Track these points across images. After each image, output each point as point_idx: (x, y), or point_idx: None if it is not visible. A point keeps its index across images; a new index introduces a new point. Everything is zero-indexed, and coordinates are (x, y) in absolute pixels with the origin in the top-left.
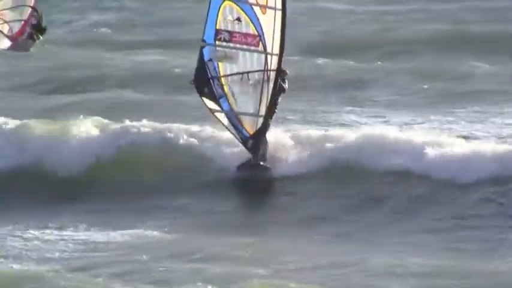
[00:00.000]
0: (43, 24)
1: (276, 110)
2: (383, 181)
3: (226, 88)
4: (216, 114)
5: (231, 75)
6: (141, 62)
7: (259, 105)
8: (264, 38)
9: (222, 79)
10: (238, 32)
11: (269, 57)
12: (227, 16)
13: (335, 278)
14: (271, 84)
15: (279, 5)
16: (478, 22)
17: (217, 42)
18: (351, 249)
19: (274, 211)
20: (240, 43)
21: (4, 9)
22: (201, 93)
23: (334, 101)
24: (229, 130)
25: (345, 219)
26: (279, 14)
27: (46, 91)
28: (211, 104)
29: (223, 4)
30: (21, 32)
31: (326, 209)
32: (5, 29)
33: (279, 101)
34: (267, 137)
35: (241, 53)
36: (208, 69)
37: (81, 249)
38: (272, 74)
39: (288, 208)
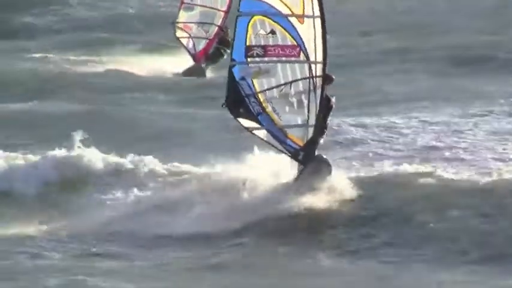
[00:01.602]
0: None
1: (327, 123)
2: None
3: (265, 104)
4: (255, 132)
5: (271, 88)
6: None
7: (308, 114)
8: (305, 47)
9: (260, 95)
10: (274, 45)
11: (313, 65)
12: (258, 31)
13: None
14: (318, 92)
15: (317, 12)
16: None
17: (249, 59)
18: None
19: None
20: (277, 56)
21: (191, 22)
22: (236, 115)
23: None
24: (273, 145)
25: None
26: (318, 21)
27: None
28: (248, 123)
29: (253, 20)
30: (204, 52)
31: None
32: (189, 45)
33: (328, 118)
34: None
35: (279, 65)
36: (242, 88)
37: None
38: (318, 82)
39: None
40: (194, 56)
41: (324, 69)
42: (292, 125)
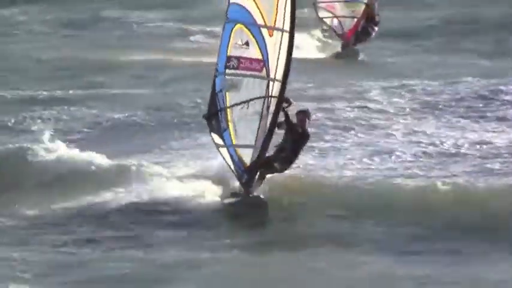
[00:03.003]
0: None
1: (292, 163)
2: None
3: (230, 120)
4: (220, 149)
5: (233, 105)
6: None
7: (256, 136)
8: (268, 63)
9: (228, 110)
10: (246, 58)
11: (271, 83)
12: (237, 41)
13: None
14: (271, 113)
15: (287, 27)
16: None
17: (226, 71)
18: None
19: None
20: (245, 69)
21: (335, 2)
22: (211, 129)
23: None
24: (228, 166)
25: None
26: (286, 36)
27: None
28: (217, 139)
29: (235, 28)
30: (353, 32)
31: None
32: (334, 24)
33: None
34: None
35: (245, 80)
36: (218, 101)
37: None
38: (273, 102)
39: None
40: (342, 36)
41: (281, 91)
42: (243, 145)
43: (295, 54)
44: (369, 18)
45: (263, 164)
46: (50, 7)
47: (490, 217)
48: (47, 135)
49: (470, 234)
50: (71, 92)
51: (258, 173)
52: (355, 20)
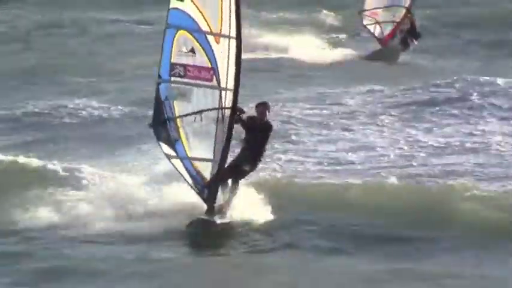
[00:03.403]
0: (417, 29)
1: (261, 158)
2: None
3: (181, 130)
4: (173, 160)
5: (184, 116)
6: None
7: (214, 148)
8: (217, 71)
9: (177, 120)
10: (193, 66)
11: (223, 92)
12: (181, 47)
13: None
14: (226, 123)
15: (234, 33)
16: None
17: (172, 78)
18: None
19: None
20: (194, 78)
21: (377, 8)
22: (159, 138)
23: None
24: (185, 179)
25: None
26: (233, 43)
27: None
28: (167, 149)
29: (178, 34)
30: (391, 35)
31: None
32: (377, 31)
33: (265, 149)
34: (234, 185)
35: (195, 89)
36: (165, 110)
37: None
38: (227, 113)
39: None
40: (381, 41)
41: (234, 100)
42: (200, 158)
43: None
44: (412, 28)
45: (230, 173)
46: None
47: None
48: None
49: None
50: None
51: (230, 181)
52: (394, 24)
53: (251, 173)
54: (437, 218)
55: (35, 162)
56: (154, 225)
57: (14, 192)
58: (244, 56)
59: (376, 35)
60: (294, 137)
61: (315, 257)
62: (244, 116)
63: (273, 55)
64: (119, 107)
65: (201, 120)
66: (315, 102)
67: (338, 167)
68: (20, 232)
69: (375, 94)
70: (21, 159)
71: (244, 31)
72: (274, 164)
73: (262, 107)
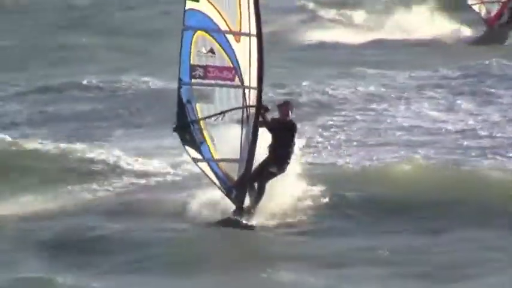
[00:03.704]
0: None
1: (288, 160)
2: None
3: (205, 133)
4: (199, 164)
5: (207, 117)
6: None
7: (240, 148)
8: (239, 70)
9: (201, 122)
10: (213, 66)
11: (247, 91)
12: (201, 48)
13: None
14: (251, 123)
15: (254, 30)
16: None
17: (192, 80)
18: None
19: None
20: (216, 78)
21: None
22: (184, 141)
23: None
24: (212, 182)
25: None
26: (254, 40)
27: None
28: (193, 153)
29: (196, 35)
30: (497, 16)
31: None
32: (482, 11)
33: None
34: (261, 187)
35: (217, 90)
36: (188, 113)
37: None
38: (252, 111)
39: None
40: (487, 21)
41: (258, 98)
42: (226, 159)
43: None
44: None
45: (256, 175)
46: None
47: None
48: None
49: None
50: None
51: (256, 184)
52: (501, 3)
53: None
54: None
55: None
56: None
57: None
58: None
59: (482, 15)
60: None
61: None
62: (268, 117)
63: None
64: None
65: (224, 120)
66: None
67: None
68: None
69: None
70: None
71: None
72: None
73: (285, 106)
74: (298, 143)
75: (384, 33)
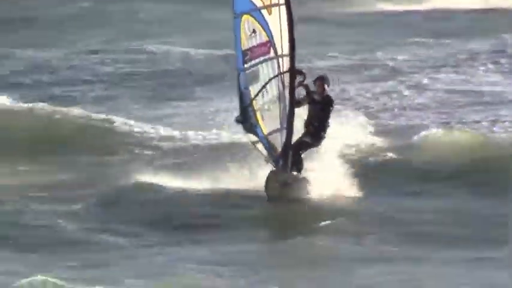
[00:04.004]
0: None
1: (323, 134)
2: None
3: (258, 113)
4: (257, 145)
5: (255, 97)
6: None
7: (280, 118)
8: (273, 42)
9: (253, 103)
10: (255, 45)
11: (280, 60)
12: (247, 32)
13: None
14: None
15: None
16: None
17: (245, 66)
18: None
19: None
20: (257, 56)
21: None
22: (247, 130)
23: None
24: (266, 159)
25: None
26: (283, 9)
27: None
28: (253, 138)
29: (242, 20)
30: None
31: None
32: None
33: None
34: (297, 158)
35: (259, 67)
36: (245, 99)
37: None
38: (286, 78)
39: None
40: None
41: (291, 63)
42: (272, 131)
43: None
44: None
45: (295, 148)
46: None
47: None
48: None
49: None
50: None
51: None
52: None
53: (313, 148)
54: None
55: None
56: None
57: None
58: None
59: None
60: None
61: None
62: (308, 87)
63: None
64: None
65: (267, 94)
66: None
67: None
68: None
69: None
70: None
71: None
72: None
73: (320, 81)
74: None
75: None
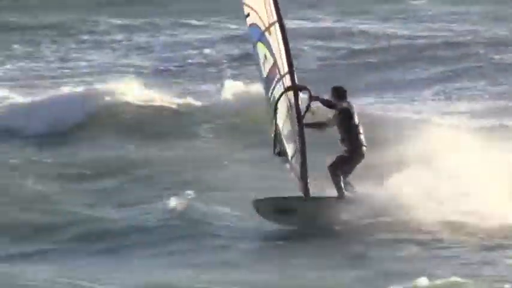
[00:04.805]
0: None
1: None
2: None
3: (283, 138)
4: (291, 174)
5: (276, 122)
6: None
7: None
8: (277, 63)
9: (279, 130)
10: (268, 71)
11: (283, 79)
12: (262, 59)
13: None
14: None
15: (275, 17)
16: None
17: (269, 94)
18: None
19: None
20: (272, 81)
21: None
22: (283, 161)
23: None
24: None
25: None
26: (277, 26)
27: None
28: (288, 165)
29: (258, 48)
30: None
31: None
32: None
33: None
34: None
35: (275, 92)
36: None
37: None
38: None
39: None
40: None
41: (291, 78)
42: (291, 152)
43: None
44: None
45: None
46: None
47: None
48: None
49: None
50: None
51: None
52: None
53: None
54: None
55: None
56: None
57: None
58: None
59: None
60: None
61: None
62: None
63: None
64: None
65: (279, 115)
66: None
67: None
68: None
69: None
70: None
71: None
72: None
73: (332, 92)
74: None
75: None
